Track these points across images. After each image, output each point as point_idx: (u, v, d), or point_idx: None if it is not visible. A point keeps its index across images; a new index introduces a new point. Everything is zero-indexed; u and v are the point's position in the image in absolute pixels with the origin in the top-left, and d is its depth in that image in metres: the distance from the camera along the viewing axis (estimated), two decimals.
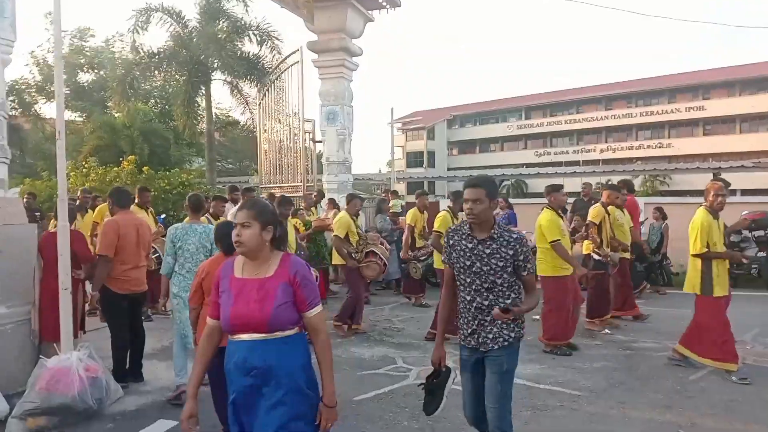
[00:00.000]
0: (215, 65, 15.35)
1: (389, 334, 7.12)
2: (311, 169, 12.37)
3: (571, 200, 8.67)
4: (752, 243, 9.93)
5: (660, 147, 48.22)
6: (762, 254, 9.82)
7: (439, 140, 59.40)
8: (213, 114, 18.51)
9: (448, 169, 48.60)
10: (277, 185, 12.44)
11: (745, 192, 24.80)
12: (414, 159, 57.62)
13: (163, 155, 20.79)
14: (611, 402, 4.72)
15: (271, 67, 13.68)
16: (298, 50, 11.92)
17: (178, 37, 15.60)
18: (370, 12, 12.13)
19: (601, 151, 50.67)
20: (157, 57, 15.45)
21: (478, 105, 59.22)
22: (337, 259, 7.68)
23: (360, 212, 8.29)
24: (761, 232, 9.93)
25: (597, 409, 4.60)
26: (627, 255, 7.74)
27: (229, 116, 24.26)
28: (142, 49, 15.40)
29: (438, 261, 6.66)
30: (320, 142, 12.12)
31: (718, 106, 46.74)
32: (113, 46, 24.36)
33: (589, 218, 7.33)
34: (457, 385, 3.50)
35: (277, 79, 12.75)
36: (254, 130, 15.36)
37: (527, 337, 6.99)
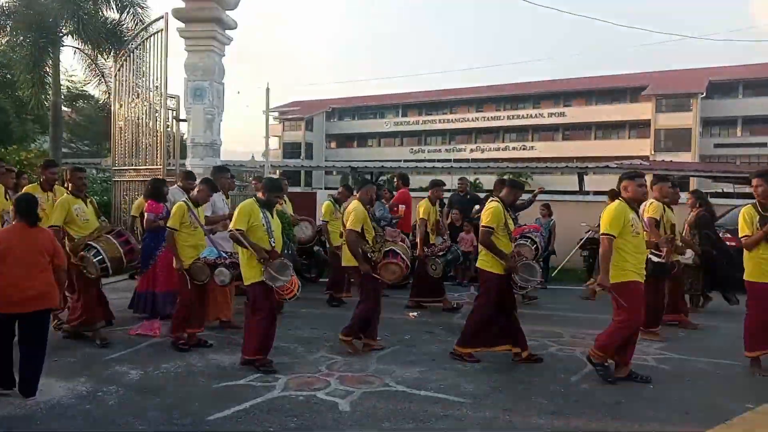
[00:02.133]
0: (67, 29, 13.45)
1: None
2: (173, 151, 11.16)
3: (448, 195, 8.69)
4: None
5: (524, 149, 51.10)
6: None
7: (318, 132, 58.80)
8: (61, 85, 16.39)
9: (326, 161, 48.06)
10: (133, 167, 11.12)
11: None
12: (291, 150, 56.54)
13: (3, 131, 18.18)
14: (496, 410, 4.36)
15: (131, 36, 12.17)
16: (162, 17, 10.66)
17: None
18: None
19: (471, 150, 52.82)
20: None
21: (357, 99, 59.32)
22: (348, 260, 5.97)
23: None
24: None
25: (483, 416, 4.22)
26: None
27: (84, 91, 21.78)
28: None
29: (490, 261, 5.45)
30: (184, 121, 10.91)
31: (577, 113, 50.43)
32: None
33: (648, 214, 6.31)
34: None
35: (137, 49, 11.34)
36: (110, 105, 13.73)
37: (404, 337, 6.70)
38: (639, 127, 48.30)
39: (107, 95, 14.34)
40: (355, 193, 7.01)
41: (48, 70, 13.93)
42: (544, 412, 4.32)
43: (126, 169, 11.19)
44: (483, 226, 5.46)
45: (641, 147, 45.64)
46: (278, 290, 5.14)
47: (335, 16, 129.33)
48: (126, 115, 11.54)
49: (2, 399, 4.28)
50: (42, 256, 4.35)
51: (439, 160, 46.18)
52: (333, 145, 60.31)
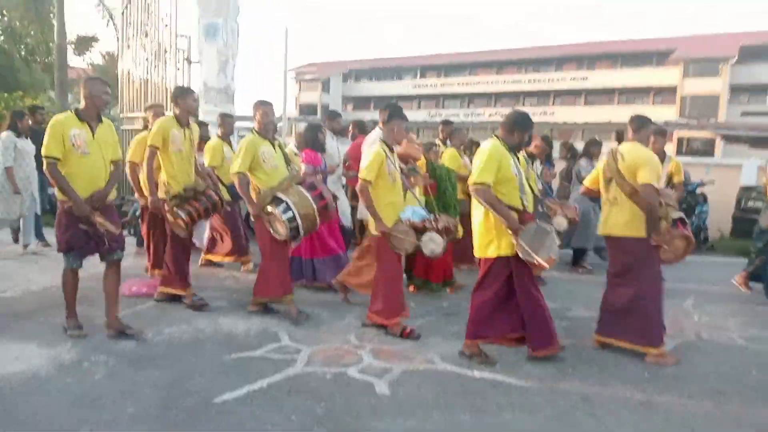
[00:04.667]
0: None
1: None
2: None
3: None
4: None
5: (544, 114, 49.54)
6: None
7: (334, 94, 57.42)
8: (65, 27, 15.44)
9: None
10: (142, 115, 10.21)
11: None
12: (307, 112, 55.25)
13: (11, 79, 17.35)
14: (573, 398, 3.52)
15: None
16: None
17: None
18: None
19: (490, 115, 51.25)
20: None
21: (375, 61, 57.72)
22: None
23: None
24: None
25: (559, 406, 3.39)
26: None
27: (93, 37, 20.82)
28: None
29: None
30: (197, 62, 9.99)
31: (600, 78, 48.64)
32: None
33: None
34: None
35: None
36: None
37: (442, 304, 5.85)
38: (664, 94, 46.55)
39: (116, 39, 13.44)
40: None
41: (51, 8, 13.02)
42: (632, 403, 3.48)
43: (135, 117, 10.30)
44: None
45: (666, 114, 43.99)
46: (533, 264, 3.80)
47: None
48: (134, 58, 10.63)
49: None
50: None
51: (457, 125, 44.91)
52: (350, 107, 58.94)
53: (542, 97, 51.94)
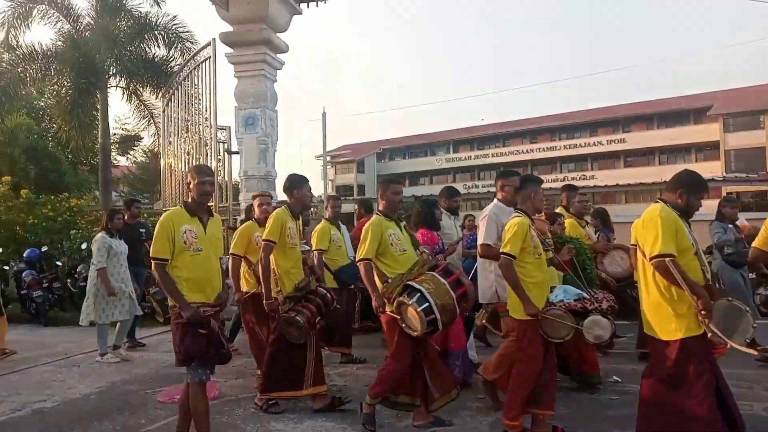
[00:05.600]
0: (112, 70, 12.96)
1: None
2: (226, 188, 10.22)
3: None
4: None
5: (584, 179, 48.90)
6: None
7: (369, 173, 58.31)
8: (114, 134, 15.98)
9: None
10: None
11: None
12: (343, 193, 56.03)
13: (58, 181, 17.95)
14: None
15: (178, 70, 11.52)
16: (209, 44, 9.87)
17: (69, 37, 13.13)
18: (297, 3, 10.27)
19: None
20: (40, 58, 12.85)
21: (407, 139, 58.89)
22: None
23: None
24: None
25: None
26: None
27: (135, 133, 21.52)
28: (18, 45, 12.75)
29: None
30: (236, 153, 10.00)
31: (637, 139, 48.15)
32: None
33: None
34: None
35: (184, 80, 10.58)
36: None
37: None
38: (706, 150, 45.69)
39: (156, 137, 13.76)
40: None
41: (95, 113, 13.45)
42: None
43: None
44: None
45: (711, 169, 42.89)
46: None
47: (382, 55, 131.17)
48: (175, 152, 10.74)
49: None
50: None
51: (492, 193, 44.63)
52: None
53: (579, 161, 51.63)
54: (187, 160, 10.34)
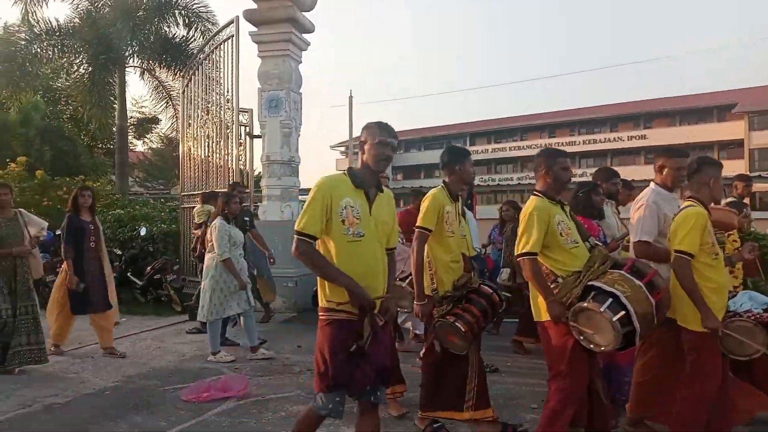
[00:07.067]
0: (130, 50, 12.56)
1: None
2: (248, 172, 9.80)
3: None
4: None
5: None
6: None
7: None
8: (131, 117, 15.63)
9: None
10: (202, 192, 9.76)
11: None
12: None
13: (73, 163, 17.67)
14: None
15: (199, 49, 11.08)
16: (232, 22, 9.40)
17: (87, 14, 12.74)
18: None
19: None
20: (57, 35, 12.47)
21: (423, 131, 58.19)
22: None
23: None
24: None
25: None
26: None
27: (152, 115, 21.12)
28: (36, 22, 12.37)
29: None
30: (258, 137, 9.56)
31: (659, 135, 47.23)
32: None
33: None
34: None
35: (206, 60, 10.13)
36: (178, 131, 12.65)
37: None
38: (730, 147, 44.71)
39: (174, 119, 13.36)
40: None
41: (113, 92, 13.07)
42: None
43: (195, 194, 9.82)
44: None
45: (735, 167, 41.91)
46: None
47: (400, 42, 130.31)
48: (195, 135, 10.31)
49: None
50: None
51: (510, 188, 44.05)
52: (399, 176, 59.04)
53: (598, 157, 50.77)
54: (207, 144, 9.92)
